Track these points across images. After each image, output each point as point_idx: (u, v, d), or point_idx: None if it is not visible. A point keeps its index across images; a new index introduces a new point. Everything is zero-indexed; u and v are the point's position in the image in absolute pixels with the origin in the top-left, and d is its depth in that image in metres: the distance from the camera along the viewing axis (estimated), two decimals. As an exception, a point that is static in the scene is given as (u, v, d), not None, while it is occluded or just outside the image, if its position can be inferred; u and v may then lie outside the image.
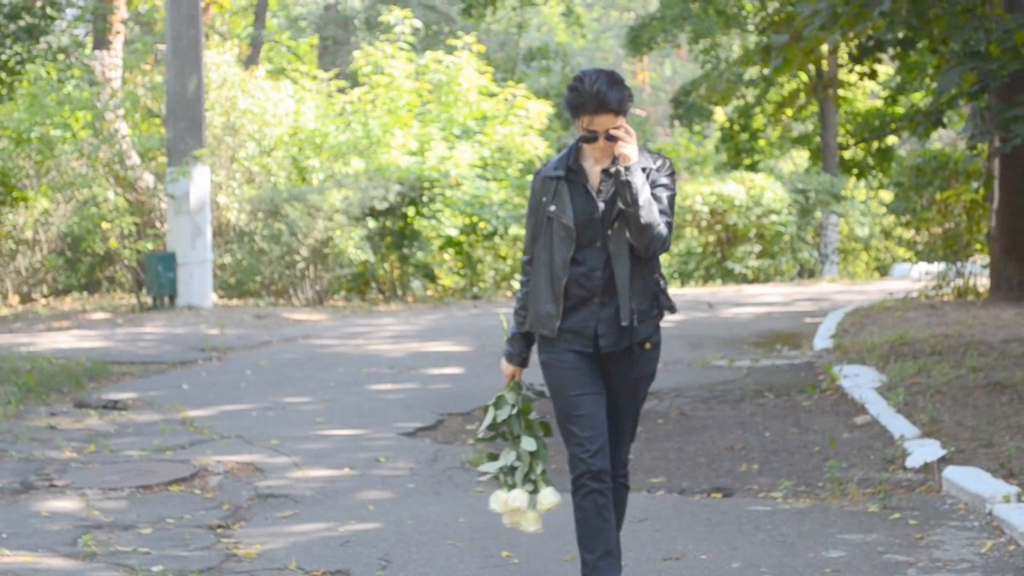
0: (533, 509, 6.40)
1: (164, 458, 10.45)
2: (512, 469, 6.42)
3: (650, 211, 6.06)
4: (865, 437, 10.61)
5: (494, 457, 6.51)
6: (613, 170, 6.08)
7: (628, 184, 6.03)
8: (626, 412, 6.42)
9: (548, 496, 6.36)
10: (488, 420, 6.42)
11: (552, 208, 6.20)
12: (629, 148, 6.07)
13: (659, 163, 6.24)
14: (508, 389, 6.43)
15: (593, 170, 6.22)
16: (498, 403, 6.42)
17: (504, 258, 26.85)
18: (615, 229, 6.12)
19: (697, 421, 11.56)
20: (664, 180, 6.21)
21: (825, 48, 24.17)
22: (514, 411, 6.39)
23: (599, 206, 6.16)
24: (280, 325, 20.72)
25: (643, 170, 6.14)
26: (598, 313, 6.18)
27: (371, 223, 24.61)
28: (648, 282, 6.27)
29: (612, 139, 6.11)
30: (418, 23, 33.30)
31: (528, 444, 6.38)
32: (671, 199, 6.23)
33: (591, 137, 6.11)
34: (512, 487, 6.40)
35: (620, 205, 6.07)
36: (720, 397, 12.72)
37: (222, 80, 26.58)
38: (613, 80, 6.07)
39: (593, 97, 6.00)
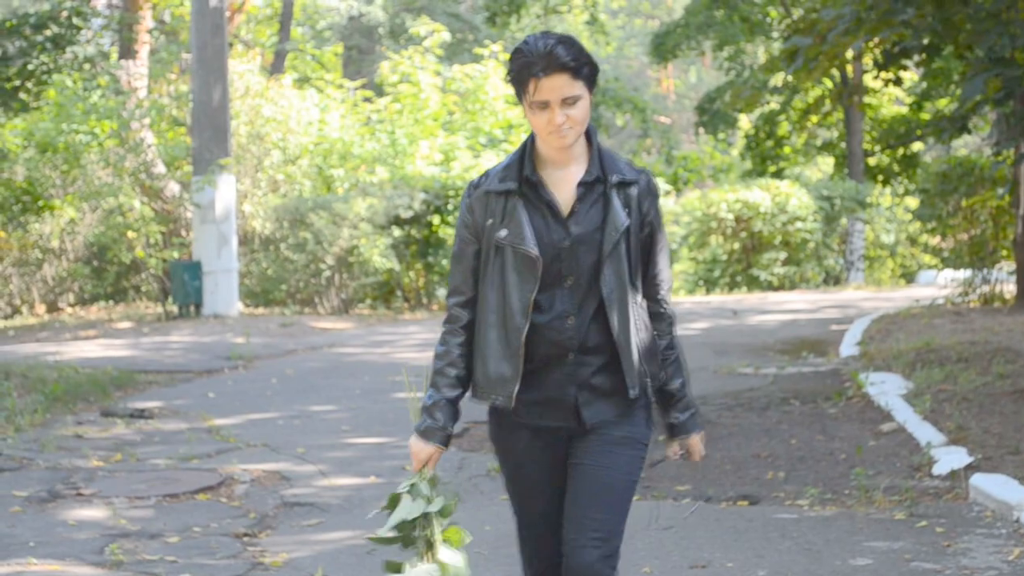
0: None
1: (190, 467, 10.48)
2: None
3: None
4: (891, 444, 10.58)
5: (395, 568, 4.72)
6: (682, 456, 4.93)
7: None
8: (599, 489, 4.72)
9: None
10: (396, 519, 4.70)
11: (503, 233, 4.64)
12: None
13: (643, 181, 4.76)
14: (421, 478, 4.74)
15: (555, 178, 4.70)
16: (411, 493, 4.74)
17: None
18: (610, 264, 4.65)
19: (723, 428, 11.54)
20: (655, 211, 4.78)
21: (850, 54, 24.14)
22: (431, 508, 4.70)
23: (569, 230, 4.64)
24: (305, 334, 20.75)
25: (626, 184, 4.70)
26: (575, 375, 4.65)
27: (396, 231, 24.64)
28: (650, 336, 4.78)
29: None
30: (447, 35, 33.37)
31: (452, 558, 4.69)
32: (664, 228, 4.84)
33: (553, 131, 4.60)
34: None
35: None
36: (746, 404, 12.70)
37: (246, 89, 26.65)
38: (567, 39, 4.61)
39: (542, 55, 4.52)
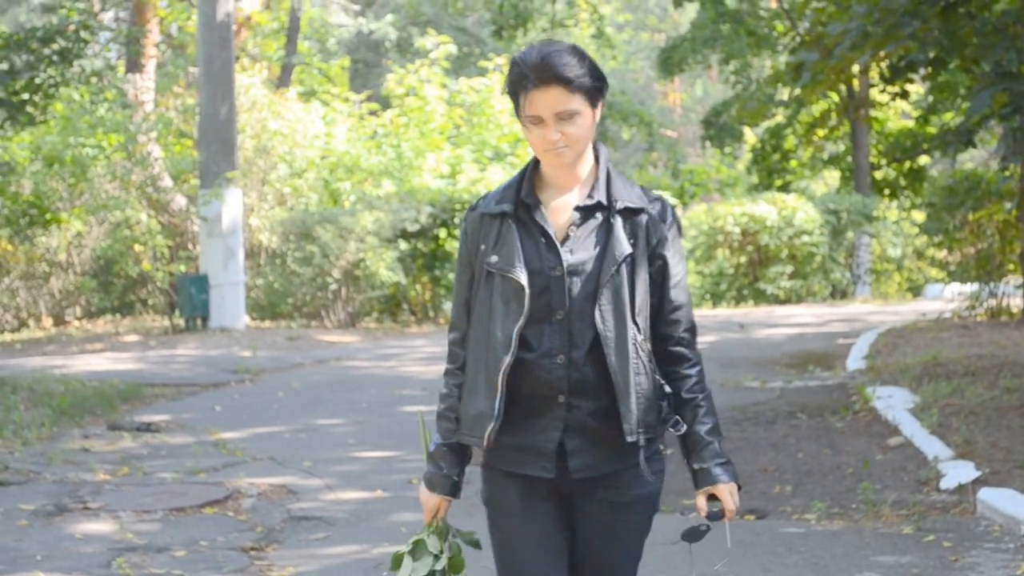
0: None
1: (197, 480, 10.49)
2: None
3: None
4: (899, 458, 10.57)
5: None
6: (707, 521, 4.35)
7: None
8: (608, 559, 4.37)
9: None
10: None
11: (493, 259, 4.21)
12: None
13: (657, 209, 4.27)
14: (430, 531, 4.42)
15: (556, 202, 4.24)
16: (416, 551, 4.40)
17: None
18: (606, 297, 4.15)
19: (730, 443, 11.52)
20: (671, 243, 4.27)
21: (856, 68, 24.18)
22: (439, 566, 4.39)
23: (562, 258, 4.16)
24: (312, 347, 20.76)
25: (633, 211, 4.22)
26: (565, 419, 4.15)
27: (403, 245, 24.65)
28: (652, 381, 4.23)
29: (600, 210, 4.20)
30: (453, 48, 33.44)
31: None
32: (683, 263, 4.35)
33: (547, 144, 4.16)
34: None
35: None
36: (753, 418, 12.69)
37: (253, 102, 26.69)
38: (568, 48, 4.16)
39: (535, 65, 4.09)
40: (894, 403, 12.63)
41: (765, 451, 11.16)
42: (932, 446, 10.58)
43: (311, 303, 24.96)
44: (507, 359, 4.13)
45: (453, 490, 4.38)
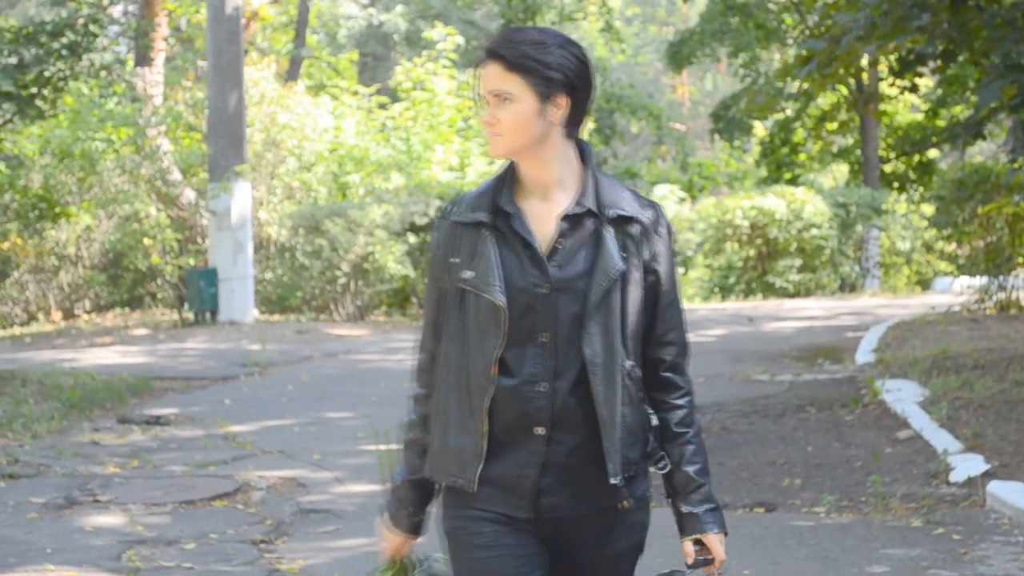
0: None
1: (207, 473, 10.51)
2: None
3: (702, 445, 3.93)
4: (908, 451, 10.57)
5: None
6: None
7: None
8: None
9: None
10: None
11: (468, 275, 3.73)
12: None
13: (650, 217, 3.81)
14: (391, 572, 4.09)
15: (538, 211, 3.77)
16: None
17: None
18: (597, 319, 3.70)
19: (739, 436, 11.53)
20: (664, 255, 3.83)
21: (865, 61, 24.15)
22: None
23: (548, 274, 3.70)
24: (321, 340, 20.77)
25: (625, 220, 3.75)
26: (542, 454, 3.70)
27: (412, 238, 24.65)
28: (639, 413, 3.80)
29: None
30: (460, 40, 33.45)
31: None
32: (677, 278, 3.91)
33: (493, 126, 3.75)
34: None
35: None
36: (762, 411, 12.68)
37: (261, 96, 26.69)
38: (537, 31, 3.78)
39: (490, 39, 3.77)
40: (903, 396, 12.62)
41: (774, 444, 11.16)
42: (941, 439, 10.57)
43: (320, 296, 24.97)
44: (490, 388, 3.69)
45: (416, 529, 3.99)
